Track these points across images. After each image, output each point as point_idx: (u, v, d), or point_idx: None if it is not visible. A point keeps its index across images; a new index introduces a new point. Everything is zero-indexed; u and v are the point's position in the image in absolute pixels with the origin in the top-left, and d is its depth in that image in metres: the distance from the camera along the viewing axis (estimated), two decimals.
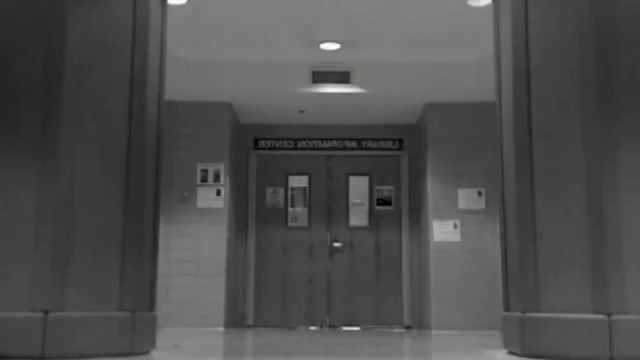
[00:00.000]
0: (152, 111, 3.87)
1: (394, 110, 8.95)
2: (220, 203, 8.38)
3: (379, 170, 9.60)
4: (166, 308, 8.06)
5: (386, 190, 9.55)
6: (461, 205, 8.39)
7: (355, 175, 9.62)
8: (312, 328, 8.97)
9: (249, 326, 9.14)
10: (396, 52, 7.67)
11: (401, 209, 9.48)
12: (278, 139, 9.61)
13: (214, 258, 8.26)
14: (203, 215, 8.36)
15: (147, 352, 3.68)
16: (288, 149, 9.60)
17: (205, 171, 8.46)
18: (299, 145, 9.61)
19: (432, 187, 8.45)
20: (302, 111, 9.01)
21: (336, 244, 9.38)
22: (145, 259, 3.68)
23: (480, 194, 8.40)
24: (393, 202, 9.52)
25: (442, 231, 8.34)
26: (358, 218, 9.53)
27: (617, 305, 3.29)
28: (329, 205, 9.53)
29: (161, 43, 4.09)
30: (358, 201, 9.54)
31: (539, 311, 3.48)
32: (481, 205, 8.39)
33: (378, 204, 9.53)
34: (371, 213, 9.52)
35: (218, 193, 8.40)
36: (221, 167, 8.45)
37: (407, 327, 9.15)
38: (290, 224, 9.46)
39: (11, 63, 3.49)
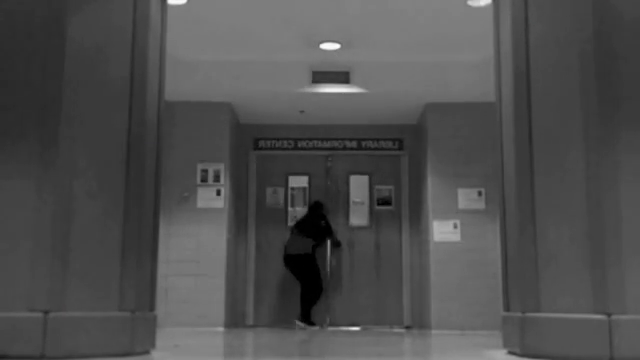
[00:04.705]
0: (152, 111, 3.88)
1: (394, 110, 8.95)
2: (220, 203, 8.38)
3: (379, 170, 9.60)
4: (166, 308, 8.05)
5: (386, 190, 9.54)
6: (461, 205, 8.39)
7: (355, 174, 9.60)
8: (314, 328, 8.96)
9: (249, 326, 9.14)
10: (396, 52, 7.67)
11: (401, 209, 9.47)
12: (278, 139, 9.61)
13: (214, 258, 8.26)
14: (203, 215, 8.36)
15: (147, 352, 3.68)
16: (288, 149, 9.60)
17: (205, 171, 8.46)
18: (299, 145, 9.61)
19: (432, 187, 8.44)
20: (302, 111, 9.01)
21: (337, 239, 9.36)
22: (145, 259, 3.69)
23: (480, 194, 8.40)
24: (393, 202, 9.51)
25: (442, 231, 8.34)
26: (358, 217, 9.52)
27: (617, 305, 3.29)
28: (329, 204, 9.52)
29: (161, 43, 4.09)
30: (358, 200, 9.53)
31: (539, 311, 3.48)
32: (481, 205, 8.39)
33: (378, 204, 9.52)
34: (371, 212, 9.51)
35: (218, 193, 8.40)
36: (221, 167, 8.45)
37: (407, 327, 9.15)
38: (290, 224, 9.46)
39: (10, 64, 3.49)
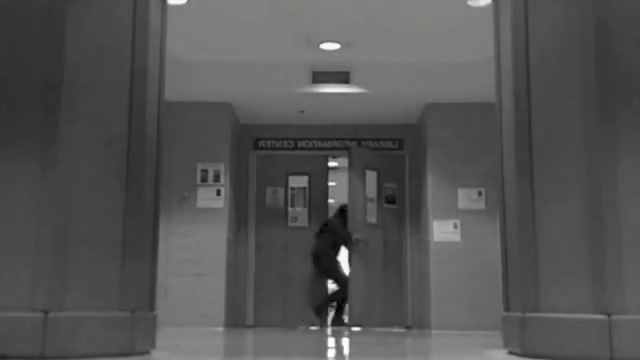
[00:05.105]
0: (152, 111, 3.88)
1: (394, 110, 8.94)
2: (220, 203, 8.38)
3: (385, 168, 9.51)
4: (166, 308, 8.05)
5: (390, 188, 9.50)
6: (461, 205, 8.39)
7: (369, 169, 9.36)
8: (312, 328, 8.96)
9: (249, 326, 9.14)
10: (396, 52, 7.67)
11: (403, 208, 9.44)
12: (278, 139, 9.61)
13: (214, 258, 8.26)
14: (203, 215, 8.36)
15: (147, 352, 3.68)
16: (288, 149, 9.59)
17: (205, 171, 8.46)
18: (299, 145, 9.60)
19: (432, 187, 8.44)
20: (302, 111, 9.01)
21: (356, 237, 9.06)
22: (145, 259, 3.68)
23: (480, 194, 8.40)
24: (397, 201, 9.46)
25: (442, 231, 8.34)
26: (371, 214, 9.30)
27: (617, 305, 3.29)
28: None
29: (161, 43, 4.09)
30: (371, 196, 9.34)
31: (539, 311, 3.48)
32: (481, 205, 8.39)
33: (386, 202, 9.42)
34: (379, 210, 9.33)
35: (218, 193, 8.40)
36: (221, 167, 8.46)
37: (407, 327, 9.14)
38: (290, 224, 9.45)
39: (10, 64, 3.49)
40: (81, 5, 3.57)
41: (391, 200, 9.42)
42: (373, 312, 9.02)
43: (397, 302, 9.23)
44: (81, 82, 3.52)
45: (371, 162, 9.35)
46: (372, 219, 9.23)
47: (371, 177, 9.34)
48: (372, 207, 9.26)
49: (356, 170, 9.16)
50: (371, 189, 9.29)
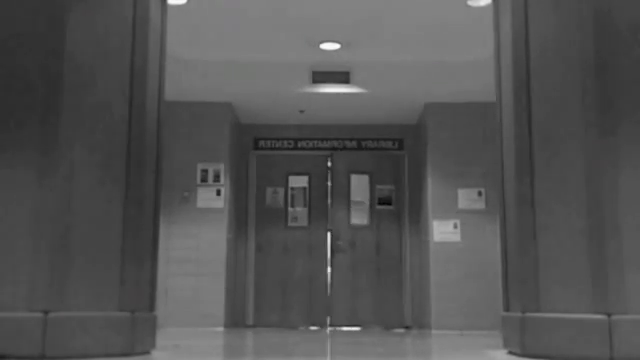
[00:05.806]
0: (152, 111, 3.88)
1: (394, 110, 8.95)
2: (220, 203, 8.38)
3: (380, 169, 9.58)
4: (166, 308, 8.05)
5: (386, 190, 9.53)
6: (461, 205, 8.39)
7: (356, 173, 9.57)
8: (312, 328, 8.97)
9: (249, 326, 9.14)
10: (396, 52, 7.67)
11: (402, 209, 9.46)
12: (278, 139, 9.61)
13: (214, 258, 8.26)
14: (203, 215, 8.36)
15: (147, 352, 3.68)
16: (288, 149, 9.60)
17: (205, 171, 8.46)
18: (299, 145, 9.61)
19: (432, 187, 8.44)
20: (302, 111, 9.01)
21: (338, 242, 9.35)
22: (145, 259, 3.69)
23: (480, 194, 8.40)
24: (394, 202, 9.50)
25: (442, 231, 8.34)
26: (359, 217, 9.48)
27: (617, 305, 3.29)
28: (331, 203, 9.50)
29: (161, 43, 4.09)
30: (358, 199, 9.48)
31: (539, 311, 3.48)
32: (481, 205, 8.39)
33: (379, 204, 9.50)
34: (372, 212, 9.46)
35: (218, 193, 8.40)
36: (221, 167, 8.45)
37: (407, 327, 9.14)
38: (290, 224, 9.45)
39: (11, 64, 3.49)
40: (82, 6, 3.57)
41: (386, 201, 9.47)
42: (360, 312, 9.12)
43: (394, 302, 9.24)
44: (81, 82, 3.52)
45: (360, 165, 9.49)
46: (363, 221, 9.34)
47: (360, 180, 9.48)
48: (361, 209, 9.38)
49: (339, 175, 9.35)
50: (360, 192, 9.42)
